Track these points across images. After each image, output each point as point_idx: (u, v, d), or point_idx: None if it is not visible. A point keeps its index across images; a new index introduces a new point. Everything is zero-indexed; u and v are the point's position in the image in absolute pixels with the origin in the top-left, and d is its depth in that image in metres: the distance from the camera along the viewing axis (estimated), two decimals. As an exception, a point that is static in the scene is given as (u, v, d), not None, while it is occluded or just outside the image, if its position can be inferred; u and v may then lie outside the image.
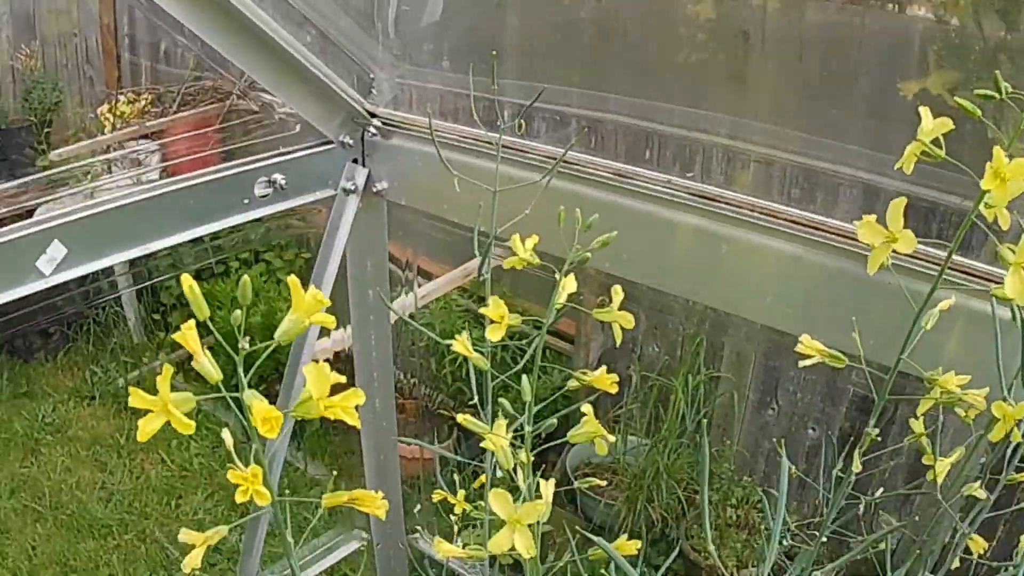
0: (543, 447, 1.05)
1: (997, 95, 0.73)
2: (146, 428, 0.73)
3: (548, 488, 0.92)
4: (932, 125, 0.79)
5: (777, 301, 1.28)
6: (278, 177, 1.37)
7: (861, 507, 1.05)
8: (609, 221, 1.05)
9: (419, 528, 1.82)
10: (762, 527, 2.98)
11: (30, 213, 4.07)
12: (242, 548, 1.74)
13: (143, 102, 3.84)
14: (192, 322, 0.76)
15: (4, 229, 1.30)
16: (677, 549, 2.72)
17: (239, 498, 0.71)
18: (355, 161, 1.46)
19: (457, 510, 1.29)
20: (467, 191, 1.19)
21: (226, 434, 0.91)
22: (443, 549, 0.95)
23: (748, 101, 1.49)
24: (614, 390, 1.03)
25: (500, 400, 1.02)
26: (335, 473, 2.48)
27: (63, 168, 3.36)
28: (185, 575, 0.81)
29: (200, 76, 3.86)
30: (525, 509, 0.81)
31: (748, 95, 1.49)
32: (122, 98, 3.92)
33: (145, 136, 3.68)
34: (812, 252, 1.21)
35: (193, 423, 0.71)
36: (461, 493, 1.28)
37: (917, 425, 0.99)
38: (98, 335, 4.33)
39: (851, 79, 1.34)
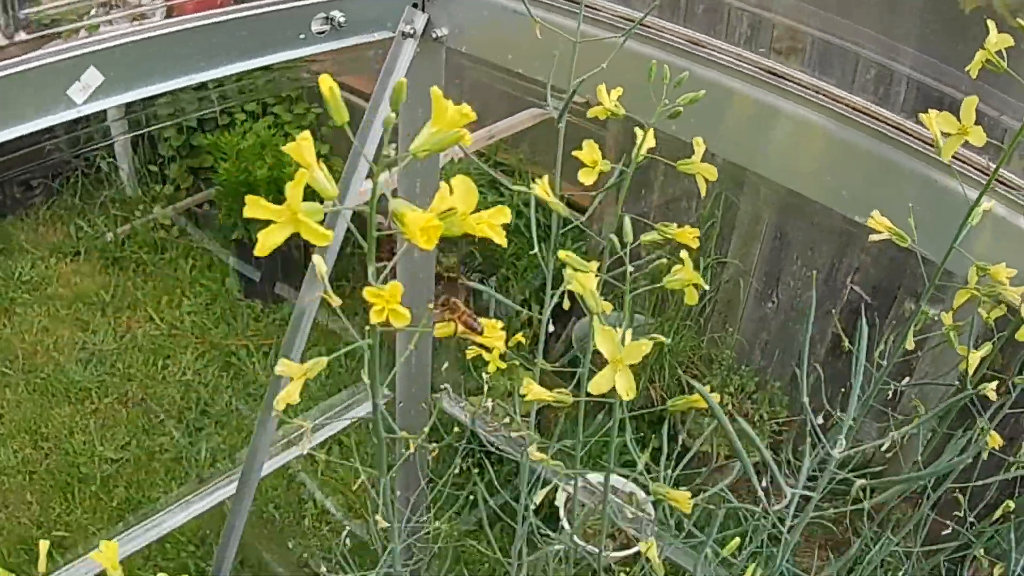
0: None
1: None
2: (267, 242, 0.71)
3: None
4: (996, 39, 0.92)
5: (835, 182, 1.32)
6: (337, 14, 1.34)
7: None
8: (692, 88, 1.06)
9: (445, 386, 1.86)
10: (756, 417, 3.08)
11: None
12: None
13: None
14: (308, 132, 0.72)
15: (34, 54, 1.26)
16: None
17: (374, 318, 0.70)
18: (415, 5, 1.43)
19: (491, 368, 1.31)
20: (536, 43, 1.19)
21: (318, 260, 0.91)
22: (532, 391, 0.97)
23: None
24: (695, 244, 1.05)
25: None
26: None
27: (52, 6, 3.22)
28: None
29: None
30: (629, 349, 0.83)
31: None
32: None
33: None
34: (869, 140, 1.25)
35: (330, 232, 0.69)
36: (496, 351, 1.31)
37: (947, 318, 1.07)
38: (87, 188, 4.20)
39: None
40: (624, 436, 1.03)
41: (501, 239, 0.71)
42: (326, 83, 0.69)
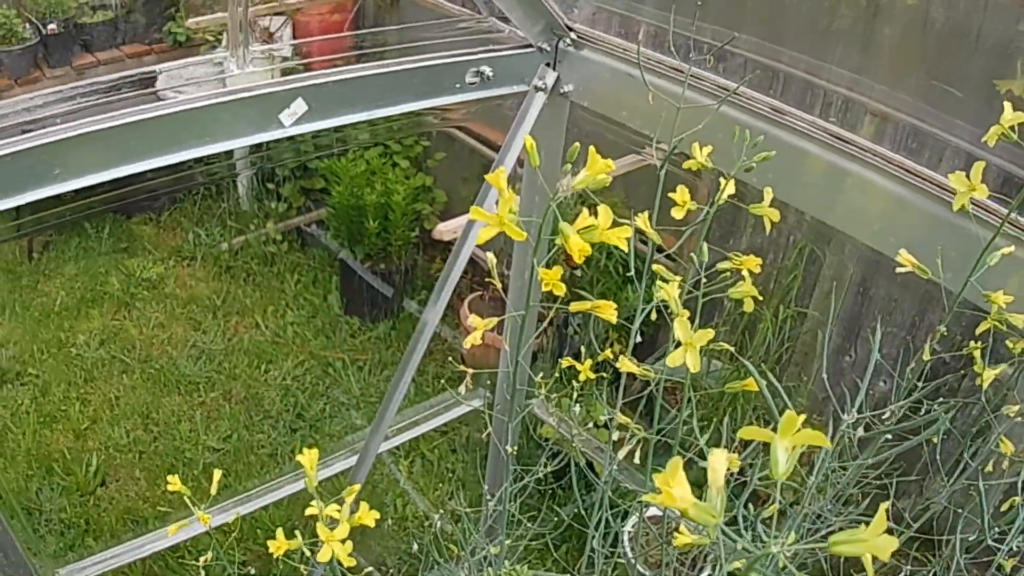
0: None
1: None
2: (484, 237, 1.09)
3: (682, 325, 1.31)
4: (1011, 116, 1.19)
5: (883, 229, 1.68)
6: (486, 69, 1.76)
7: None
8: (761, 146, 1.43)
9: (536, 393, 2.24)
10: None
11: (151, 79, 4.52)
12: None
13: (282, -26, 4.24)
14: (502, 168, 1.12)
15: (258, 84, 1.71)
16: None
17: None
18: (548, 64, 1.85)
19: (581, 377, 1.69)
20: (647, 103, 1.58)
21: (491, 256, 1.31)
22: (625, 364, 1.35)
23: (885, 69, 1.88)
24: (758, 270, 1.42)
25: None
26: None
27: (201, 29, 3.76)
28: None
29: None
30: (699, 335, 1.20)
31: (885, 64, 1.89)
32: (259, -31, 4.33)
33: (279, 13, 4.08)
34: (915, 196, 1.60)
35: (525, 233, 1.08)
36: (588, 362, 1.69)
37: (975, 348, 1.41)
38: (206, 199, 4.75)
39: (964, 65, 1.74)
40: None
41: (624, 245, 1.09)
42: (529, 141, 1.10)
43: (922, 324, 3.14)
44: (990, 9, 1.74)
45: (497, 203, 1.05)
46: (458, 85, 1.77)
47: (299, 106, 1.68)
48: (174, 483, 1.54)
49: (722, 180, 1.46)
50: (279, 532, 1.28)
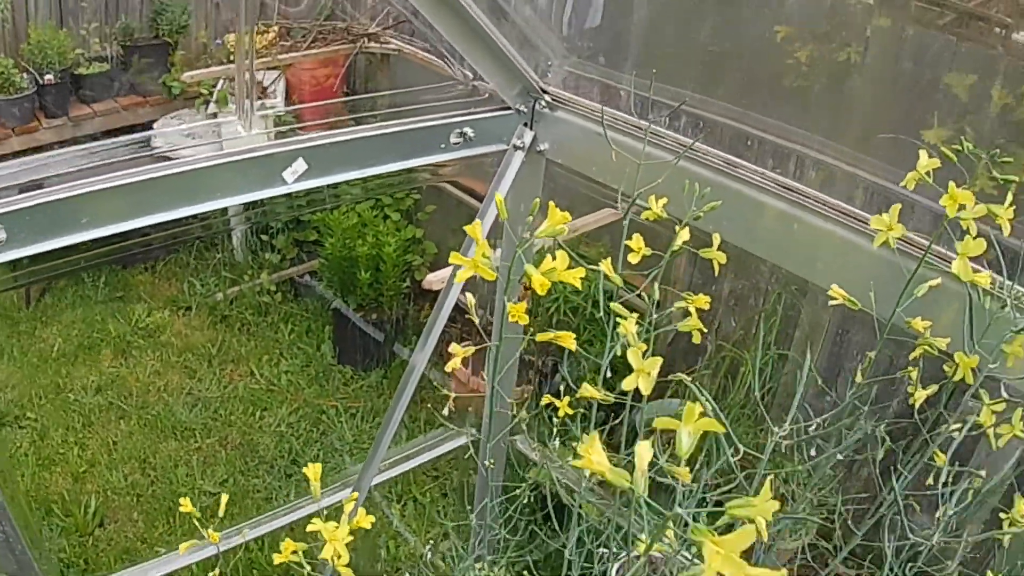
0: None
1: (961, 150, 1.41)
2: (462, 277, 1.33)
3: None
4: (926, 162, 1.42)
5: (826, 268, 1.92)
6: (468, 130, 2.01)
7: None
8: (716, 195, 1.66)
9: (522, 430, 2.46)
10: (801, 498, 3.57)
11: (147, 126, 4.81)
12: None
13: (271, 34, 4.55)
14: (478, 221, 1.37)
15: (261, 144, 1.96)
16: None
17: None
18: (525, 125, 2.10)
19: (560, 413, 1.91)
20: (612, 160, 1.83)
21: (470, 296, 1.55)
22: (586, 390, 1.58)
23: (822, 123, 2.16)
24: (707, 307, 1.66)
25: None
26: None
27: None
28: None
29: (329, 16, 4.55)
30: (648, 362, 1.43)
31: (823, 120, 2.16)
32: (252, 29, 4.63)
33: (273, 68, 4.37)
34: (854, 236, 1.83)
35: (495, 274, 1.32)
36: (565, 399, 1.92)
37: (914, 372, 1.64)
38: (200, 250, 5.00)
39: (893, 120, 2.01)
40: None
41: (577, 283, 1.33)
42: (498, 198, 1.35)
43: (900, 366, 3.36)
44: (910, 72, 2.00)
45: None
46: (443, 145, 2.02)
47: (300, 165, 1.93)
48: (185, 505, 1.76)
49: (677, 228, 1.70)
50: (285, 542, 1.50)
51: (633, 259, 1.66)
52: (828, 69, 2.06)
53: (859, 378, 1.66)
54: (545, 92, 2.07)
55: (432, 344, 2.32)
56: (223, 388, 4.40)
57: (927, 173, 1.48)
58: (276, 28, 4.55)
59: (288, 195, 1.89)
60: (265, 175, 1.88)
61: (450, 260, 1.31)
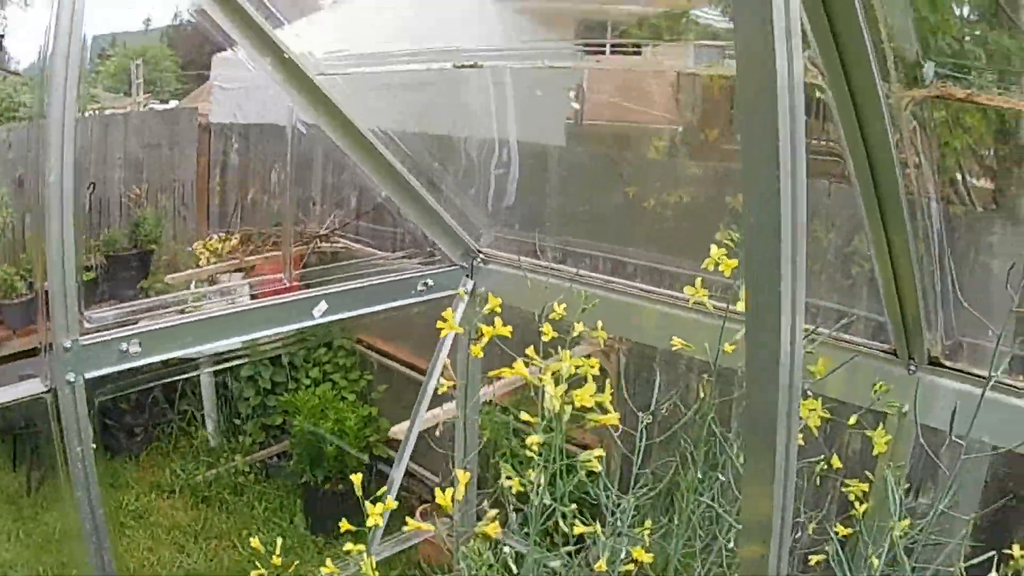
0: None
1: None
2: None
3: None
4: (716, 252, 2.43)
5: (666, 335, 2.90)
6: (429, 281, 3.02)
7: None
8: (604, 304, 2.64)
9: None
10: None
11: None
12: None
13: (234, 240, 5.58)
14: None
15: (297, 291, 2.93)
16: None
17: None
18: (467, 276, 3.12)
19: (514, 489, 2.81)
20: (530, 292, 2.84)
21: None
22: (532, 440, 2.48)
23: (663, 243, 3.24)
24: (616, 424, 2.59)
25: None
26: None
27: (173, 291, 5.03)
28: None
29: (278, 223, 5.64)
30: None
31: (664, 240, 3.24)
32: (215, 237, 5.71)
33: (239, 270, 5.39)
34: (683, 311, 2.82)
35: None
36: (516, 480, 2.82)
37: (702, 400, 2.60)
38: (178, 437, 5.80)
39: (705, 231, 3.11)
40: None
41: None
42: (455, 327, 2.32)
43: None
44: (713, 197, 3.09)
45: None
46: (412, 292, 3.03)
47: (322, 305, 2.89)
48: None
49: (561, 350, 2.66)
50: None
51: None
52: (665, 210, 3.14)
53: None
54: (480, 252, 3.11)
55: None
56: (209, 561, 5.01)
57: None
58: (237, 235, 5.59)
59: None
60: (298, 312, 2.83)
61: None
